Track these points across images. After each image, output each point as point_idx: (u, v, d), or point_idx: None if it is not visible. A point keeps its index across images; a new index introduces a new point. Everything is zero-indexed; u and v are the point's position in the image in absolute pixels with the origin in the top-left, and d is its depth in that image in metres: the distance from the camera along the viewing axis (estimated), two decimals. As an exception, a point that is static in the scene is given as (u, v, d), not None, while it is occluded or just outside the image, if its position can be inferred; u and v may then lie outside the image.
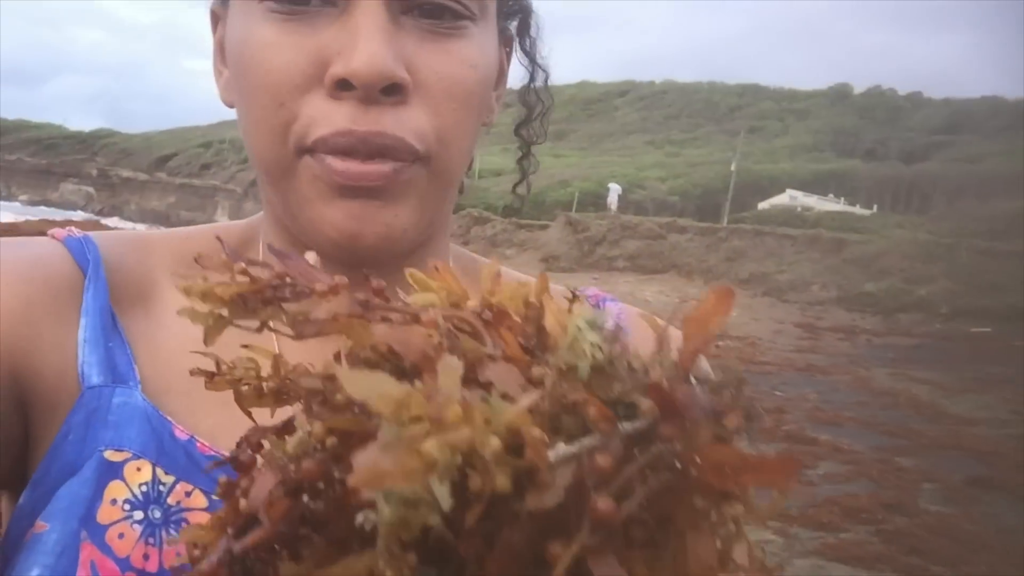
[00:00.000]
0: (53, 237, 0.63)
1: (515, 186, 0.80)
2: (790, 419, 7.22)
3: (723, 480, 0.25)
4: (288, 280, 0.32)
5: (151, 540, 0.52)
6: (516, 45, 0.72)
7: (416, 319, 0.30)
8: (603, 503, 0.24)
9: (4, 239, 0.61)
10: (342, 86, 0.54)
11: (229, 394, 0.36)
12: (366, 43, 0.53)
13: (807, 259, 18.83)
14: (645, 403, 0.26)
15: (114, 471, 0.54)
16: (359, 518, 0.25)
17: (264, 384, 0.35)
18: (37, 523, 0.52)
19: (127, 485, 0.53)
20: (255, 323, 0.32)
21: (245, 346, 0.35)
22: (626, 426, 0.26)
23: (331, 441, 0.29)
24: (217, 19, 0.65)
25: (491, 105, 0.66)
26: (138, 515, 0.53)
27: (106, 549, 0.51)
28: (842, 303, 16.90)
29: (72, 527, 0.51)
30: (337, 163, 0.55)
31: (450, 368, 0.25)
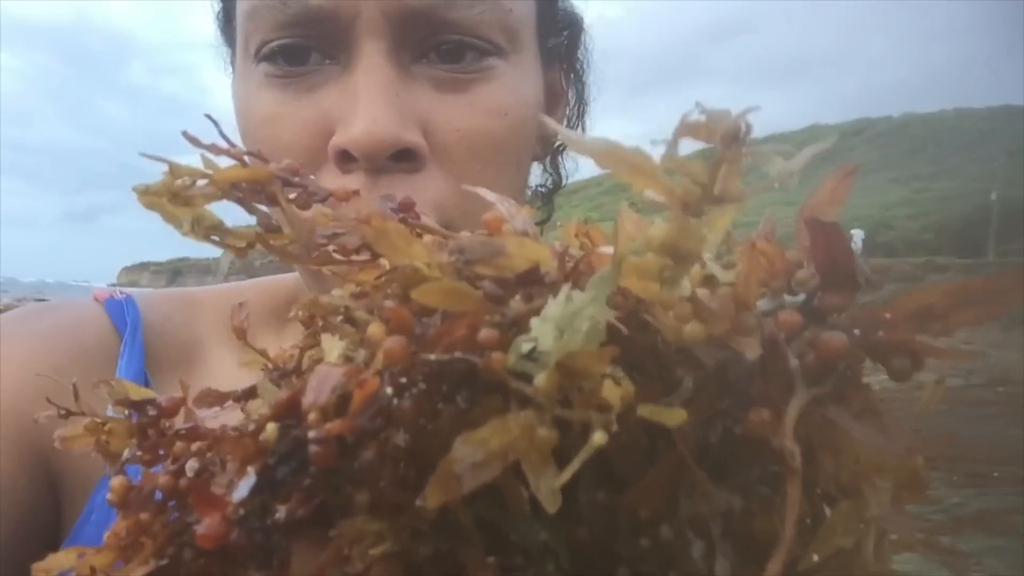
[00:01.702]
0: (95, 298, 0.59)
1: None
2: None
3: (926, 327, 0.22)
4: (298, 179, 0.26)
5: None
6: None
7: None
8: (834, 337, 0.20)
9: (46, 303, 0.59)
10: (345, 158, 0.47)
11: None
12: (367, 107, 0.46)
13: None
14: (803, 273, 0.22)
15: None
16: (524, 346, 0.18)
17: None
18: None
19: None
20: (241, 241, 0.25)
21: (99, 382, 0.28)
22: (788, 298, 0.23)
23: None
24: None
25: (544, 136, 0.60)
26: None
27: None
28: None
29: None
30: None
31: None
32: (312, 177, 0.27)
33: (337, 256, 0.26)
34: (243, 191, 0.25)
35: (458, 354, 0.20)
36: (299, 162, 0.47)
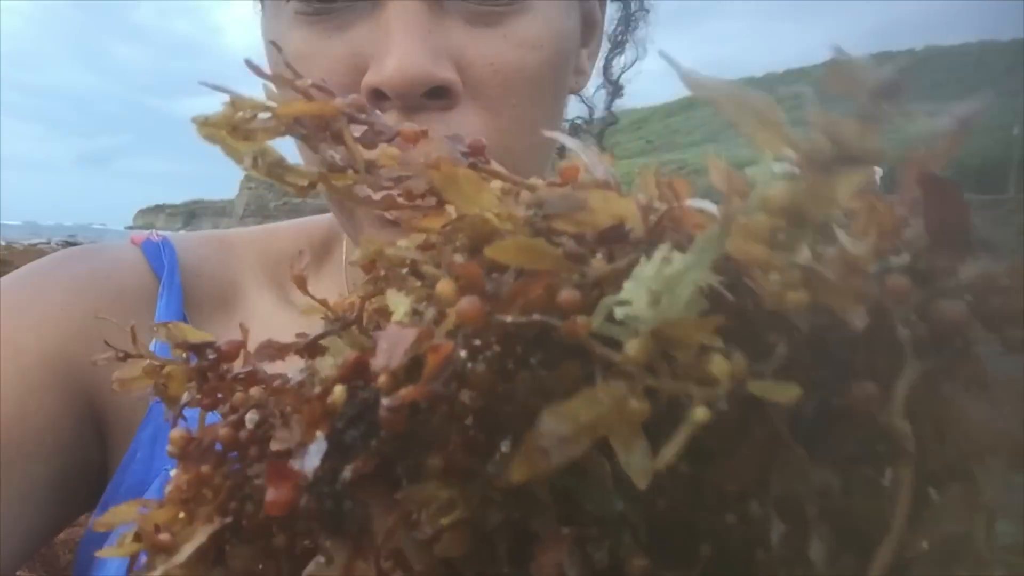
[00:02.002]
0: (133, 242, 0.59)
1: None
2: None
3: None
4: (365, 116, 0.24)
5: None
6: None
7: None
8: (952, 306, 0.18)
9: (84, 247, 0.59)
10: (378, 97, 0.46)
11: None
12: (399, 44, 0.45)
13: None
14: (911, 232, 0.20)
15: None
16: (617, 310, 0.17)
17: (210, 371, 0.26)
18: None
19: None
20: (303, 180, 0.23)
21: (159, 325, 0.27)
22: (893, 259, 0.22)
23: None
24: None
25: (581, 68, 0.58)
26: None
27: None
28: None
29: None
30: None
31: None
32: (378, 113, 0.25)
33: (401, 200, 0.25)
34: (307, 127, 0.23)
35: (537, 316, 0.19)
36: None
